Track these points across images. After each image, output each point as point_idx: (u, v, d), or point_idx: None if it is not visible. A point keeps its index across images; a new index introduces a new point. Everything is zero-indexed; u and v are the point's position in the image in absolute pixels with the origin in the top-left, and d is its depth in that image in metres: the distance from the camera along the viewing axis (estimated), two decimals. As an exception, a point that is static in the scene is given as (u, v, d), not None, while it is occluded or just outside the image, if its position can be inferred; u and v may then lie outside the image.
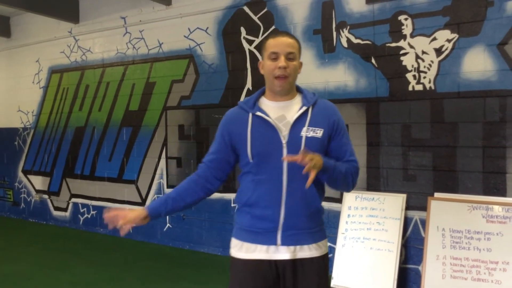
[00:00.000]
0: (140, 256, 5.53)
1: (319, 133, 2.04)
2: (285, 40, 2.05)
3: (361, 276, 4.22)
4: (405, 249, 4.28)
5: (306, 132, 2.02)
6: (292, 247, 2.03)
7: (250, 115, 2.08)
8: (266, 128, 2.05)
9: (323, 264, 2.11)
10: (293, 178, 2.00)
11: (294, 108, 2.08)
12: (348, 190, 2.19)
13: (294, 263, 2.04)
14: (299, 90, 2.17)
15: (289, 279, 2.04)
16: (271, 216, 2.02)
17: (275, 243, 2.03)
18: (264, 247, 2.04)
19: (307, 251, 2.05)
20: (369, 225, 4.33)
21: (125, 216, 2.07)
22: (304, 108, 2.06)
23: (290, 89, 2.10)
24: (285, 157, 1.96)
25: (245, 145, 2.06)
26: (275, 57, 2.03)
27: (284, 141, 2.01)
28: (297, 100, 2.11)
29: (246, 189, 2.09)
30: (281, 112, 2.07)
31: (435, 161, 4.14)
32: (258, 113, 2.06)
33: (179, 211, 2.18)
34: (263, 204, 2.03)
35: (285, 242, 2.02)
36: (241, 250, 2.08)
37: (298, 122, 2.04)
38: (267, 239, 2.03)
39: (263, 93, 2.17)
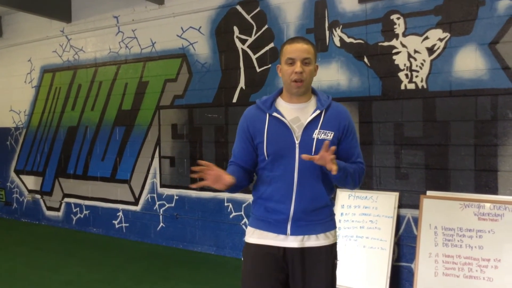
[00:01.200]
0: (133, 256, 5.52)
1: (329, 135, 2.20)
2: (300, 46, 2.19)
3: (354, 274, 4.24)
4: (398, 247, 4.30)
5: (318, 134, 2.19)
6: (300, 237, 2.20)
7: (267, 115, 2.24)
8: (281, 128, 2.21)
9: (331, 253, 2.26)
10: (303, 176, 2.18)
11: (308, 111, 2.24)
12: (354, 188, 2.36)
13: (302, 252, 2.20)
14: (314, 92, 2.32)
15: (297, 266, 2.20)
16: (282, 210, 2.20)
17: (285, 233, 2.21)
18: (274, 234, 2.22)
19: (314, 240, 2.21)
20: (362, 223, 4.35)
21: (224, 179, 2.13)
22: (318, 111, 2.21)
23: (306, 91, 2.25)
24: (304, 156, 2.09)
25: (262, 144, 2.23)
26: (291, 62, 2.18)
27: (297, 142, 2.18)
28: (312, 102, 2.28)
29: (262, 183, 2.28)
30: (296, 114, 2.24)
31: (427, 159, 4.17)
32: (275, 114, 2.23)
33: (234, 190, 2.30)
34: (276, 198, 2.21)
35: (294, 232, 2.20)
36: (253, 236, 2.27)
37: (311, 125, 2.20)
38: (278, 228, 2.21)
39: (280, 94, 2.33)
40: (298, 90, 2.21)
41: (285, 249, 2.21)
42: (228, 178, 2.13)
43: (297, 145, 2.17)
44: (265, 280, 2.21)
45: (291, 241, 2.20)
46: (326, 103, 2.25)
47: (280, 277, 2.22)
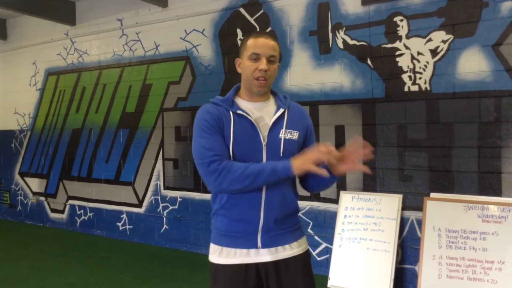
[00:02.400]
0: (137, 258, 5.53)
1: (295, 135, 2.06)
2: (268, 42, 2.01)
3: (357, 277, 4.23)
4: (402, 249, 4.29)
5: (284, 134, 2.03)
6: (273, 249, 2.00)
7: (231, 113, 2.02)
8: (248, 128, 2.01)
9: (306, 261, 2.10)
10: None
11: (270, 110, 2.07)
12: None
13: (276, 264, 2.00)
14: (271, 91, 2.15)
15: (272, 281, 2.00)
16: (251, 219, 1.98)
17: (255, 246, 1.99)
18: (244, 250, 1.99)
19: (289, 250, 2.03)
20: (366, 225, 4.34)
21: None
22: (281, 110, 2.06)
23: (268, 91, 2.09)
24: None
25: (227, 144, 1.99)
26: (256, 57, 1.99)
27: (264, 143, 2.00)
28: (272, 102, 2.11)
29: None
30: (259, 113, 2.05)
31: (431, 161, 4.16)
32: (240, 112, 2.01)
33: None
34: (242, 207, 1.98)
35: (265, 245, 1.99)
36: (221, 255, 2.02)
37: (276, 124, 2.04)
38: (247, 242, 1.99)
39: (236, 93, 2.13)
40: (260, 89, 2.01)
41: (257, 265, 1.98)
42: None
43: (264, 146, 1.98)
44: None
45: (264, 255, 1.98)
46: (287, 102, 2.11)
47: None
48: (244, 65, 2.04)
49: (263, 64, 1.97)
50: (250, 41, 2.02)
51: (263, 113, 2.05)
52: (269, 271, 1.99)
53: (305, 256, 2.10)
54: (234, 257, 1.99)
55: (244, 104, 2.07)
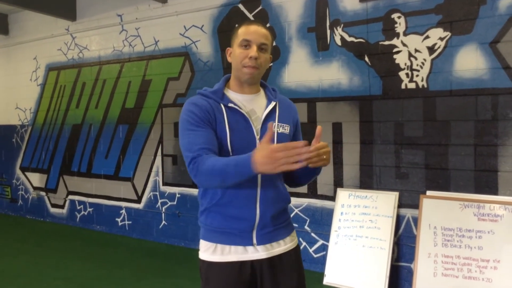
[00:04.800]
0: (135, 253, 5.55)
1: (287, 129, 2.01)
2: (259, 29, 1.93)
3: (353, 274, 4.23)
4: (397, 247, 4.29)
5: (277, 128, 1.97)
6: (268, 245, 1.95)
7: (223, 106, 1.93)
8: (241, 121, 1.93)
9: (298, 255, 2.07)
10: (267, 175, 1.87)
11: (261, 103, 2.00)
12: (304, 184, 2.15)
13: (271, 261, 1.95)
14: (261, 84, 2.09)
15: (267, 278, 1.94)
16: (247, 216, 1.91)
17: (251, 243, 1.92)
18: (240, 248, 1.92)
19: (283, 246, 1.99)
20: (362, 223, 4.34)
21: None
22: (273, 103, 2.00)
23: (257, 81, 2.01)
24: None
25: (224, 138, 1.89)
26: (246, 44, 1.91)
27: (257, 137, 1.92)
28: (262, 94, 2.05)
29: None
30: (250, 106, 1.97)
31: (428, 159, 4.15)
32: (231, 105, 1.93)
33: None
34: (237, 203, 1.90)
35: (261, 241, 1.93)
36: (216, 252, 1.94)
37: (268, 118, 1.97)
38: (243, 239, 1.92)
39: (226, 84, 2.04)
40: (250, 76, 1.92)
41: (252, 262, 1.92)
42: None
43: (257, 141, 1.90)
44: None
45: (259, 252, 1.93)
46: (276, 95, 2.05)
47: None
48: (234, 53, 1.95)
49: (253, 51, 1.89)
50: (242, 29, 1.95)
51: (254, 106, 1.98)
52: (264, 267, 1.94)
53: (297, 249, 2.07)
54: (229, 255, 1.92)
55: (235, 96, 1.98)
